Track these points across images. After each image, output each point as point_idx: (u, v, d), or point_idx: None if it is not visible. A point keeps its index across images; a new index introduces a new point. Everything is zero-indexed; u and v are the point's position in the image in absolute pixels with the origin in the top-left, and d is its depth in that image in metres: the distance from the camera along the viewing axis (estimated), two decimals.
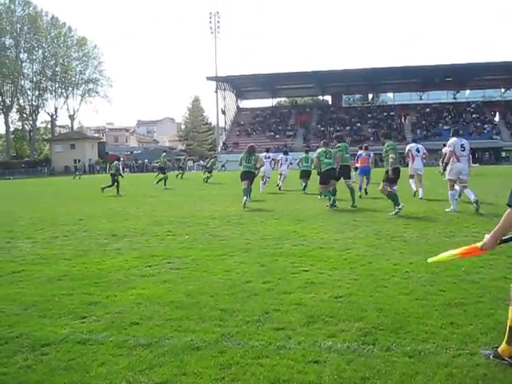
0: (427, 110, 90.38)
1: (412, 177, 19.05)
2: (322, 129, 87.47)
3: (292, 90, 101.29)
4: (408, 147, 18.83)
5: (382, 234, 10.54)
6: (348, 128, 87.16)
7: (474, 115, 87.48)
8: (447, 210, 14.14)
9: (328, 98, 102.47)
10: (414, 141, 19.80)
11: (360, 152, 21.84)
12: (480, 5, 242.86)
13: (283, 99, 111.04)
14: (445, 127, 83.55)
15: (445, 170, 14.62)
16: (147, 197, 23.23)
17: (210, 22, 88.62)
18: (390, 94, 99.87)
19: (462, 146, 14.43)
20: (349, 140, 79.73)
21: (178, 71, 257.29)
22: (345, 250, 9.00)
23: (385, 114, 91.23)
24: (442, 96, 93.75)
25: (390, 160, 14.06)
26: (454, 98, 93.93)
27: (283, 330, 5.02)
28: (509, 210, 4.06)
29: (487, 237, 4.22)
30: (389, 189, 14.18)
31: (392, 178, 14.22)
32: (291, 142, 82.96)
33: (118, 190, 25.76)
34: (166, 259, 8.59)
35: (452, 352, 4.44)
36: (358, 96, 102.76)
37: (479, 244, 4.23)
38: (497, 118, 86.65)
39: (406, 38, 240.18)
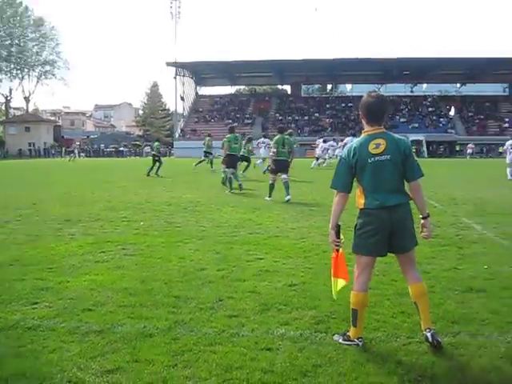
0: None
1: None
2: (280, 118, 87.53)
3: (251, 78, 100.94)
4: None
5: None
6: (306, 118, 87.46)
7: (430, 109, 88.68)
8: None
9: (287, 87, 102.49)
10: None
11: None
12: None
13: (242, 87, 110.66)
14: (401, 120, 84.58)
15: None
16: (103, 182, 22.94)
17: (171, 7, 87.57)
18: (349, 85, 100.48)
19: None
20: (306, 130, 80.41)
21: (138, 56, 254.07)
22: (300, 238, 9.07)
23: (343, 104, 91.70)
24: (400, 89, 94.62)
25: (271, 153, 15.74)
26: (412, 92, 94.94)
27: (237, 318, 5.05)
28: (336, 193, 4.55)
29: (429, 218, 4.54)
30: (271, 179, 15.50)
31: (272, 169, 15.66)
32: (249, 130, 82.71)
33: (157, 170, 26.49)
34: (120, 245, 8.53)
35: (402, 340, 4.54)
36: (317, 86, 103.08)
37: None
38: (452, 113, 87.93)
39: (367, 29, 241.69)
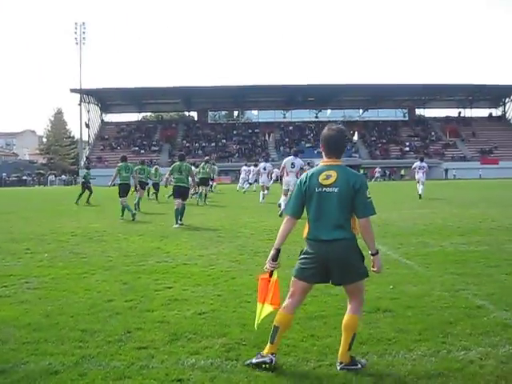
0: (290, 127, 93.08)
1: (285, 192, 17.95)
2: (187, 144, 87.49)
3: (158, 105, 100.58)
4: (284, 161, 18.64)
5: (246, 250, 10.69)
6: (213, 144, 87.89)
7: None
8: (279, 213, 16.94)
9: (194, 113, 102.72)
10: (295, 154, 19.22)
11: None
12: (345, 25, 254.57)
13: (149, 114, 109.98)
14: (307, 145, 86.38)
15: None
16: (4, 213, 22.06)
17: (76, 33, 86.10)
18: (255, 112, 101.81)
19: (292, 163, 17.93)
20: (214, 156, 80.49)
21: (41, 82, 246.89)
22: (208, 265, 9.03)
23: (249, 130, 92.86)
24: (305, 115, 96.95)
25: (171, 179, 16.39)
26: (316, 117, 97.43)
27: (146, 349, 4.94)
28: (287, 217, 4.57)
29: (378, 255, 4.59)
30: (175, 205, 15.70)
31: (175, 195, 16.08)
32: (156, 157, 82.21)
33: (88, 198, 26.74)
34: (23, 279, 8.20)
35: (312, 364, 4.57)
36: (223, 113, 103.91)
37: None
38: (356, 137, 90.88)
39: (271, 56, 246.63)
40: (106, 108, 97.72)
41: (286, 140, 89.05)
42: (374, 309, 6.11)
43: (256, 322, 4.79)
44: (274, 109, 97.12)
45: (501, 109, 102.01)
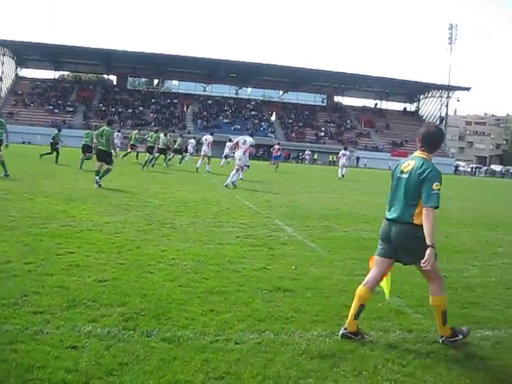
0: (210, 101, 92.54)
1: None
2: (103, 108, 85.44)
3: (77, 65, 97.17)
4: (239, 137, 21.54)
5: (153, 220, 10.59)
6: (130, 111, 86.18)
7: (253, 112, 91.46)
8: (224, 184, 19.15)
9: (113, 77, 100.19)
10: (250, 134, 22.74)
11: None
12: (276, 6, 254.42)
13: (67, 73, 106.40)
14: (225, 120, 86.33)
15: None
16: None
17: None
18: (176, 82, 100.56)
19: (244, 140, 20.79)
20: (130, 123, 79.10)
21: None
22: (114, 233, 8.89)
23: (168, 100, 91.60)
24: (225, 90, 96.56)
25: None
26: (236, 94, 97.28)
27: (42, 314, 4.82)
28: (433, 211, 4.64)
29: (429, 249, 4.58)
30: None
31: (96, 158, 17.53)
32: (70, 118, 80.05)
33: (56, 159, 26.11)
34: None
35: (210, 338, 4.61)
36: (143, 80, 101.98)
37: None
38: (273, 118, 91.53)
39: (198, 28, 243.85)
40: (21, 62, 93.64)
41: (204, 113, 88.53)
42: (275, 288, 6.21)
43: (387, 294, 5.22)
44: (195, 81, 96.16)
45: (415, 104, 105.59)
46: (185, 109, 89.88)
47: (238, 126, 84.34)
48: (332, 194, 20.22)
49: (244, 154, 20.55)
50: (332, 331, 4.98)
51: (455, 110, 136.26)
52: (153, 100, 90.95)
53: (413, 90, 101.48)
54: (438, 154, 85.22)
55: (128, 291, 5.67)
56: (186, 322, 4.92)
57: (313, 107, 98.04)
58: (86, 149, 24.10)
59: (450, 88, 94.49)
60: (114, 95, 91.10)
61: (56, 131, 27.90)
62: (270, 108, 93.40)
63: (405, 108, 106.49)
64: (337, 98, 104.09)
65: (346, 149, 35.76)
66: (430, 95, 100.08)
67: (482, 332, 5.29)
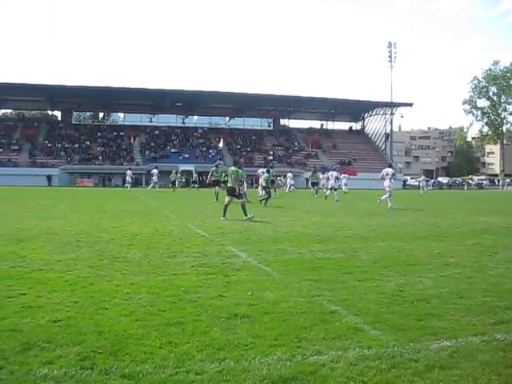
0: (156, 132, 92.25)
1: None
2: (49, 145, 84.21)
3: (20, 102, 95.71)
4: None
5: (106, 255, 10.45)
6: (77, 146, 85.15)
7: (200, 140, 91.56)
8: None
9: (58, 113, 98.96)
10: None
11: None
12: (216, 33, 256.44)
13: (9, 111, 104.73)
14: (173, 150, 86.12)
15: None
16: None
17: None
18: (121, 114, 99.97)
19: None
20: (77, 158, 78.15)
21: None
22: (66, 271, 8.73)
23: (115, 133, 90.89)
24: (172, 120, 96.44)
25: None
26: (183, 123, 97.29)
27: None
28: None
29: None
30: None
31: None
32: (16, 156, 78.59)
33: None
34: None
35: (169, 370, 4.54)
36: (88, 114, 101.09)
37: None
38: (221, 144, 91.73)
39: (142, 60, 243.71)
40: None
41: (152, 144, 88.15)
42: (232, 315, 6.18)
43: None
44: (141, 112, 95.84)
45: (360, 123, 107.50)
46: (132, 140, 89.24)
47: (187, 155, 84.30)
48: (284, 217, 20.29)
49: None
50: (292, 354, 4.97)
51: (400, 126, 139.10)
52: (99, 134, 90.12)
53: (357, 109, 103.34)
54: None
55: (83, 329, 5.56)
56: (145, 357, 4.85)
57: (260, 131, 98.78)
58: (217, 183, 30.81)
59: (393, 105, 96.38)
60: (59, 131, 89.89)
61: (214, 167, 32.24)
62: (218, 135, 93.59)
63: (350, 127, 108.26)
64: (283, 121, 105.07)
65: (334, 169, 35.79)
66: (374, 113, 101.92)
67: (439, 342, 5.35)
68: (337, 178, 36.31)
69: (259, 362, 4.78)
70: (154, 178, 50.69)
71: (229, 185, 19.95)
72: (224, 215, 18.83)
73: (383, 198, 27.67)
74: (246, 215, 18.71)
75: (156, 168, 53.38)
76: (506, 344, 5.32)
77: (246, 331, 5.63)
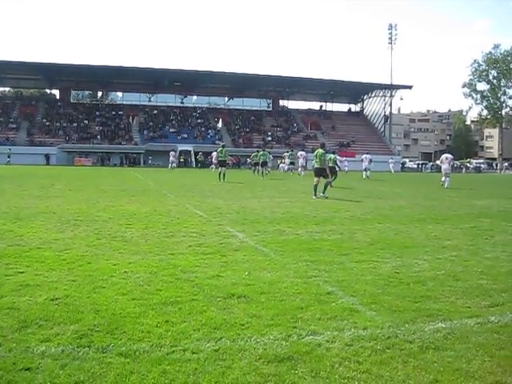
0: (155, 111, 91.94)
1: None
2: (47, 123, 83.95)
3: (18, 80, 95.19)
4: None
5: (103, 234, 10.47)
6: (75, 124, 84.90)
7: (199, 120, 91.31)
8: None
9: (56, 92, 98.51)
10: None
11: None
12: (217, 13, 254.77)
13: (7, 89, 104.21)
14: (171, 130, 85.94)
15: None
16: None
17: None
18: (120, 93, 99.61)
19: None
20: (75, 137, 77.91)
21: None
22: (64, 250, 8.75)
23: (113, 112, 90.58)
24: (170, 99, 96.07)
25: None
26: (182, 103, 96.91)
27: None
28: None
29: None
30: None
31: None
32: (14, 135, 78.36)
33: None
34: None
35: (166, 349, 4.57)
36: (87, 93, 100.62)
37: None
38: (220, 125, 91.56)
39: (140, 38, 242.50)
40: None
41: (150, 124, 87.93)
42: (229, 295, 6.21)
43: None
44: (140, 91, 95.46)
45: (359, 105, 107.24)
46: (130, 120, 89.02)
47: (185, 135, 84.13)
48: (282, 198, 20.32)
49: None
50: (288, 334, 5.00)
51: (399, 109, 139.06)
52: (97, 113, 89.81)
53: (357, 91, 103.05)
54: (385, 152, 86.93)
55: (81, 308, 5.59)
56: (142, 335, 4.88)
57: (259, 112, 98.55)
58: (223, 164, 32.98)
59: (392, 87, 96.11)
60: (57, 110, 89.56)
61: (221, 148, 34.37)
62: (216, 115, 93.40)
63: (349, 109, 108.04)
64: (282, 102, 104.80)
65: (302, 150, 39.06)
66: (373, 95, 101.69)
67: (434, 324, 5.39)
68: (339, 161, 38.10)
69: (255, 341, 4.82)
70: (172, 158, 57.95)
71: (316, 166, 21.49)
72: (315, 194, 20.72)
73: (447, 181, 30.75)
74: (323, 192, 20.96)
75: (173, 150, 61.78)
76: (500, 326, 5.36)
77: (242, 311, 5.66)
